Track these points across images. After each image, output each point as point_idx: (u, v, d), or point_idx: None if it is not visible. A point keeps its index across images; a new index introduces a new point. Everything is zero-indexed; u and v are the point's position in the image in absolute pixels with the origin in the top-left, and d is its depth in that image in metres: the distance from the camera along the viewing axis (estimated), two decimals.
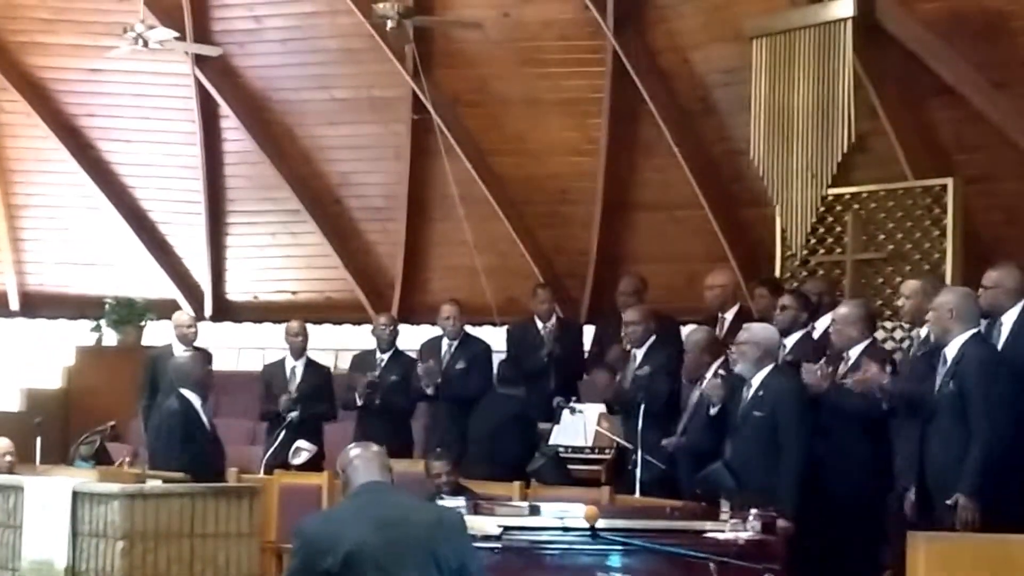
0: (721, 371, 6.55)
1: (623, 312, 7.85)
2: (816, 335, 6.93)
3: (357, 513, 3.44)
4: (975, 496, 5.12)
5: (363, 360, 8.52)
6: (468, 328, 8.45)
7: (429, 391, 8.08)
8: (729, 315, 7.61)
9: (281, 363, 8.57)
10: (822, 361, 6.14)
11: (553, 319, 8.67)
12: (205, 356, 8.14)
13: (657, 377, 7.00)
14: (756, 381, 6.06)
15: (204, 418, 6.93)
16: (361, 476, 3.56)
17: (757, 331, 6.25)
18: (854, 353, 6.16)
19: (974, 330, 5.38)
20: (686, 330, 7.55)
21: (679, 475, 6.71)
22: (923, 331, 5.97)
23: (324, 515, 3.62)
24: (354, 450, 3.70)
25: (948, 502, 5.14)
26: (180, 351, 8.33)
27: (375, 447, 3.72)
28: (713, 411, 6.44)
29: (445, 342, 8.27)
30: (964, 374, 5.26)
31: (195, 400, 6.94)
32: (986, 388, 5.22)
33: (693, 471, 6.32)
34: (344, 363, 9.80)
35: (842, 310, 6.32)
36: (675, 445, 6.72)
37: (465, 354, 8.17)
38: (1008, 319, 5.56)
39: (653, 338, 7.25)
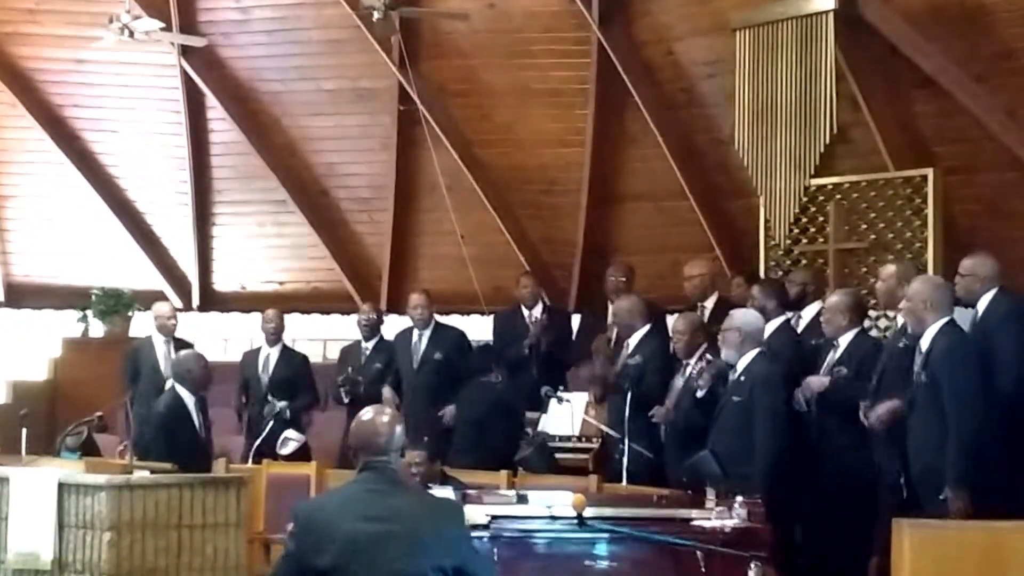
0: (708, 355, 6.60)
1: (611, 301, 7.86)
2: (802, 325, 7.00)
3: (351, 504, 3.42)
4: (962, 485, 5.16)
5: (350, 352, 8.56)
6: (457, 317, 8.46)
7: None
8: (709, 304, 7.67)
9: (256, 352, 8.59)
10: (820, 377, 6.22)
11: (540, 307, 8.71)
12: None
13: (648, 369, 6.98)
14: (740, 366, 6.16)
15: (195, 417, 6.94)
16: (365, 455, 3.48)
17: (737, 317, 6.35)
18: (844, 341, 6.24)
19: (946, 319, 5.43)
20: (671, 319, 7.60)
21: (666, 463, 6.77)
22: (900, 319, 6.05)
23: (321, 503, 3.55)
24: (364, 424, 3.52)
25: (941, 497, 5.18)
26: (160, 342, 8.34)
27: (386, 417, 3.54)
28: (700, 394, 6.49)
29: (415, 332, 8.30)
30: (936, 364, 5.31)
31: (188, 399, 6.96)
32: (956, 376, 5.25)
33: (680, 458, 6.38)
34: (331, 353, 9.83)
35: (832, 298, 6.39)
36: (663, 416, 6.73)
37: (441, 344, 8.19)
38: (981, 306, 5.64)
39: (646, 328, 7.24)
